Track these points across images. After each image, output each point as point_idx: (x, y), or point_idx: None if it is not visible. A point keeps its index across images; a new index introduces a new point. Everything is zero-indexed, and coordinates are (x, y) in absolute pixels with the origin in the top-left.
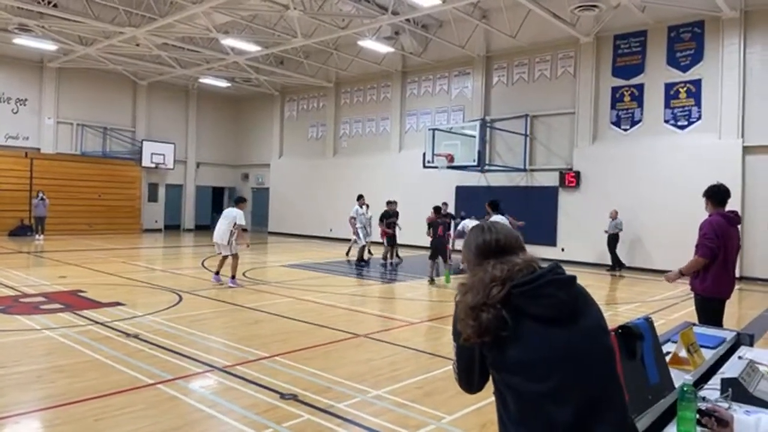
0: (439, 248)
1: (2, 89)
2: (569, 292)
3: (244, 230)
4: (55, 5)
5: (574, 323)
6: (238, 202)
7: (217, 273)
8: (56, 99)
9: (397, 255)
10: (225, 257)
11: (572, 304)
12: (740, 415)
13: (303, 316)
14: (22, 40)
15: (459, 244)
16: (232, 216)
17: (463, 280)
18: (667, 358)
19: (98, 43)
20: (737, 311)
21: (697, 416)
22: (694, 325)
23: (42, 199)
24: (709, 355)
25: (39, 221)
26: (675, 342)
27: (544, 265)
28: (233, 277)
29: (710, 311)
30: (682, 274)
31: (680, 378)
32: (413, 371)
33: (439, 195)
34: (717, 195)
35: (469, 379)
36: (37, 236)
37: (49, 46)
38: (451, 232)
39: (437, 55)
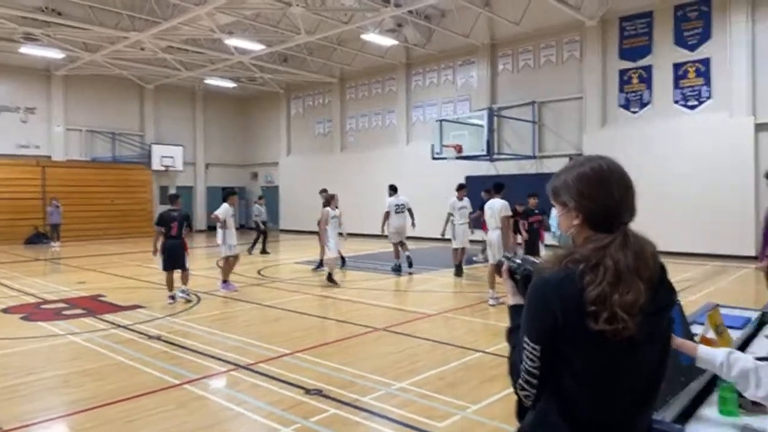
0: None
1: (11, 99)
2: None
3: (219, 222)
4: (59, 13)
5: None
6: (227, 196)
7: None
8: (64, 106)
9: None
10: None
11: None
12: None
13: (321, 312)
14: (29, 49)
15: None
16: None
17: None
18: (696, 340)
19: (103, 49)
20: (755, 290)
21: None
22: (719, 306)
23: (56, 206)
24: (736, 335)
25: (54, 228)
26: (701, 324)
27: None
28: (224, 281)
29: None
30: None
31: None
32: (434, 363)
33: (449, 186)
34: None
35: None
36: (52, 243)
37: (56, 54)
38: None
39: (441, 46)
